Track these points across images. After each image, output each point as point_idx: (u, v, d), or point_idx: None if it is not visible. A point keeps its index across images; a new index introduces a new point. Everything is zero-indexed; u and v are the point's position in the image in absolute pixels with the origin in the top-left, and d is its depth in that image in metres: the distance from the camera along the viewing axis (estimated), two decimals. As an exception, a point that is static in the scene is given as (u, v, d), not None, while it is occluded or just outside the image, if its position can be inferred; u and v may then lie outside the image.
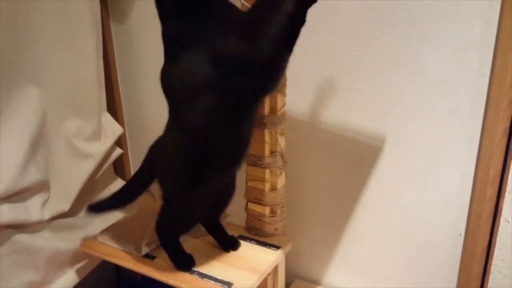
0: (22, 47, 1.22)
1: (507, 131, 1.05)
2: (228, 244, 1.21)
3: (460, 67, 1.05)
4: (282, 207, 1.28)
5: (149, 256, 1.21)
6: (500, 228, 1.12)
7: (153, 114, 1.61)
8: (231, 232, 1.26)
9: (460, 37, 1.03)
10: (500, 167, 1.08)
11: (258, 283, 1.13)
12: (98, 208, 1.28)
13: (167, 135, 1.04)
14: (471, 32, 1.01)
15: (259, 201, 1.25)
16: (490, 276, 1.17)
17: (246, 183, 1.26)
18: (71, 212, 1.37)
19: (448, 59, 1.06)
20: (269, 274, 1.20)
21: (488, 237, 1.15)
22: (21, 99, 1.23)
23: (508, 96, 1.01)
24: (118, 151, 1.57)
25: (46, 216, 1.28)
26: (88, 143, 1.42)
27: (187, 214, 1.11)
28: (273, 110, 1.17)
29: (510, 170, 1.07)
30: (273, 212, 1.26)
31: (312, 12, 1.16)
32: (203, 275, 1.13)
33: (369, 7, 1.10)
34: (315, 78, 1.24)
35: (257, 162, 1.21)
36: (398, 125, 1.18)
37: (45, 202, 1.29)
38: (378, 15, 1.10)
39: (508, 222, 1.11)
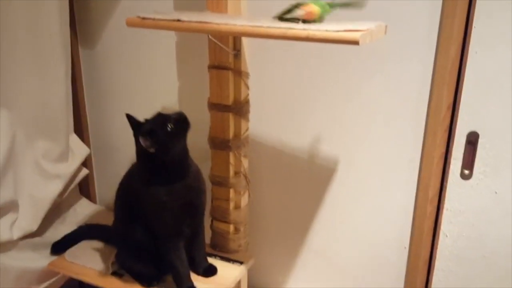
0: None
1: (443, 156, 1.18)
2: (209, 270, 1.26)
3: (402, 99, 1.18)
4: (245, 224, 1.36)
5: (117, 274, 1.26)
6: (439, 242, 1.24)
7: (118, 135, 1.65)
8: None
9: (401, 73, 1.16)
10: (438, 187, 1.21)
11: (222, 297, 1.20)
12: None
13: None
14: (411, 69, 1.14)
15: (223, 219, 1.32)
16: (432, 285, 1.28)
17: (212, 202, 1.33)
18: (38, 232, 1.39)
19: (392, 91, 1.18)
20: (232, 288, 1.27)
21: (429, 250, 1.27)
22: (-10, 121, 1.26)
23: (443, 125, 1.14)
24: (84, 172, 1.60)
25: (15, 235, 1.29)
26: (56, 164, 1.45)
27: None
28: (237, 135, 1.26)
29: (447, 190, 1.19)
30: (236, 229, 1.34)
31: (275, 47, 1.27)
32: (170, 290, 1.20)
33: (324, 47, 1.22)
34: (275, 106, 1.34)
35: (222, 183, 1.29)
36: (348, 149, 1.28)
37: (14, 222, 1.31)
38: (331, 52, 1.22)
39: (447, 236, 1.23)
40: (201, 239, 1.24)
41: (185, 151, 1.13)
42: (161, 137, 1.04)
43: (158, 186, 1.09)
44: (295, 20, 0.93)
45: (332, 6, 0.93)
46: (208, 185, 1.30)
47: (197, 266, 1.24)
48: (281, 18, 0.96)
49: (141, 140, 1.03)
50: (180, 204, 1.12)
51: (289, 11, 0.94)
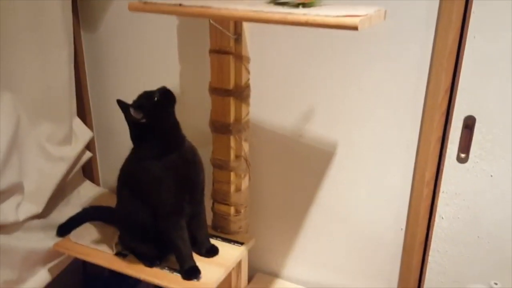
0: (-3, 55, 1.26)
1: (440, 139, 1.20)
2: (211, 251, 1.30)
3: (400, 83, 1.19)
4: (246, 206, 1.38)
5: (121, 254, 1.29)
6: (435, 224, 1.27)
7: (120, 118, 1.65)
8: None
9: (400, 57, 1.17)
10: (434, 171, 1.23)
11: (223, 276, 1.23)
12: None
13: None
14: (410, 53, 1.16)
15: (224, 201, 1.35)
16: (427, 266, 1.32)
17: (213, 185, 1.36)
18: (43, 214, 1.42)
19: (391, 76, 1.20)
20: (233, 268, 1.30)
21: (425, 231, 1.29)
22: (-5, 104, 1.28)
23: (440, 109, 1.16)
24: (87, 155, 1.63)
25: (21, 217, 1.32)
26: (60, 147, 1.47)
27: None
28: (238, 119, 1.28)
29: (443, 173, 1.22)
30: (237, 211, 1.36)
31: (276, 32, 1.28)
32: (173, 270, 1.23)
33: (324, 31, 1.23)
34: (275, 90, 1.35)
35: (223, 166, 1.31)
36: (347, 133, 1.30)
37: (19, 204, 1.33)
38: (331, 37, 1.23)
39: (442, 218, 1.26)
40: (203, 220, 1.27)
41: (175, 124, 1.18)
42: (149, 107, 1.12)
43: (154, 160, 1.14)
44: (290, 3, 0.94)
45: None
46: (210, 168, 1.32)
47: (199, 246, 1.27)
48: (276, 2, 0.97)
49: (132, 112, 1.11)
50: (177, 177, 1.16)
51: None
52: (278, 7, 0.93)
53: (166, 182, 1.15)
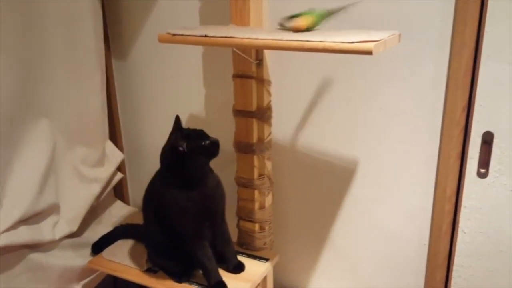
0: (35, 82, 1.34)
1: (460, 155, 1.22)
2: (238, 267, 1.33)
3: (418, 101, 1.22)
4: (270, 223, 1.42)
5: (151, 270, 1.34)
6: (458, 239, 1.27)
7: (149, 141, 1.74)
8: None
9: (417, 77, 1.21)
10: (455, 186, 1.25)
11: (250, 292, 1.27)
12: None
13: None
14: (426, 72, 1.19)
15: (249, 219, 1.39)
16: (452, 281, 1.32)
17: (238, 203, 1.40)
18: (77, 232, 1.49)
19: (408, 95, 1.23)
20: (258, 284, 1.33)
21: (448, 246, 1.30)
22: (35, 130, 1.36)
23: (459, 126, 1.19)
24: (119, 176, 1.70)
25: (57, 236, 1.39)
26: (93, 169, 1.54)
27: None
28: (260, 139, 1.33)
29: (464, 188, 1.23)
30: (262, 228, 1.40)
31: (296, 56, 1.33)
32: (201, 285, 1.27)
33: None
34: (296, 110, 1.40)
35: (247, 184, 1.36)
36: (368, 150, 1.33)
37: (56, 223, 1.40)
38: (349, 58, 1.26)
39: (465, 232, 1.26)
40: (227, 238, 1.31)
41: (204, 170, 1.21)
42: (194, 143, 1.14)
43: (178, 190, 1.18)
44: (287, 29, 1.03)
45: (326, 15, 1.04)
46: (234, 187, 1.37)
47: (227, 263, 1.31)
48: (280, 28, 1.07)
49: (177, 134, 1.15)
50: (198, 209, 1.20)
51: (286, 20, 1.05)
52: (284, 33, 1.01)
53: (187, 211, 1.19)
